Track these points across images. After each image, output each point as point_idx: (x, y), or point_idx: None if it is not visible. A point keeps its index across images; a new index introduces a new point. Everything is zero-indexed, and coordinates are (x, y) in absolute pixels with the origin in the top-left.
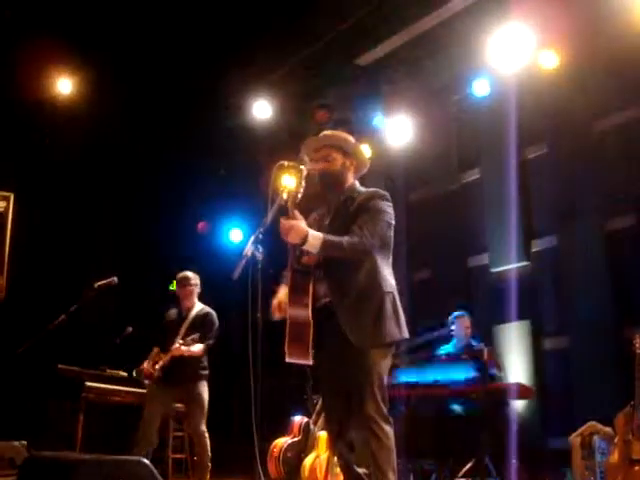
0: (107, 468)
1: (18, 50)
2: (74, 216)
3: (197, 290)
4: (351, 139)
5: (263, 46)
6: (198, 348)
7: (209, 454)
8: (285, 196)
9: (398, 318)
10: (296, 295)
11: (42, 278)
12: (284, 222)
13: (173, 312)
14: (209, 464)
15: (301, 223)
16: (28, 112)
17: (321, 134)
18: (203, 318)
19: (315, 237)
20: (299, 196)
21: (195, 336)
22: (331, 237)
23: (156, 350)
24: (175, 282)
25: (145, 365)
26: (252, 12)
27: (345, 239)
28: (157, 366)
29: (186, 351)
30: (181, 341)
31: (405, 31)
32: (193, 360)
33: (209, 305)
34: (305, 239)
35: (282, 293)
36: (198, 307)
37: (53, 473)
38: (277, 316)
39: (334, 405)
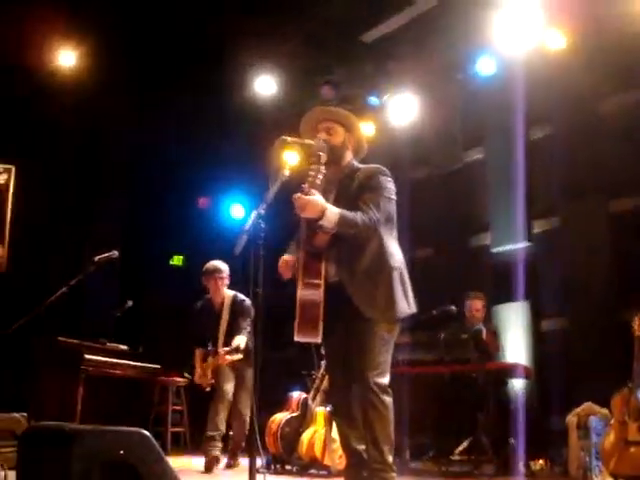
0: (107, 439)
1: (20, 22)
2: (75, 189)
3: (227, 282)
4: (354, 118)
5: (268, 22)
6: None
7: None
8: (287, 172)
9: (406, 292)
10: (308, 276)
11: (43, 250)
12: (300, 197)
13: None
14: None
15: (318, 198)
16: (30, 84)
17: (325, 107)
18: (240, 305)
19: (333, 212)
20: (320, 176)
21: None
22: (347, 212)
23: (199, 353)
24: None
25: (196, 378)
26: None
27: (359, 215)
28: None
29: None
30: (224, 350)
31: (411, 8)
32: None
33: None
34: (323, 213)
35: (287, 255)
36: (229, 295)
37: (53, 443)
38: (287, 274)
39: (339, 379)
